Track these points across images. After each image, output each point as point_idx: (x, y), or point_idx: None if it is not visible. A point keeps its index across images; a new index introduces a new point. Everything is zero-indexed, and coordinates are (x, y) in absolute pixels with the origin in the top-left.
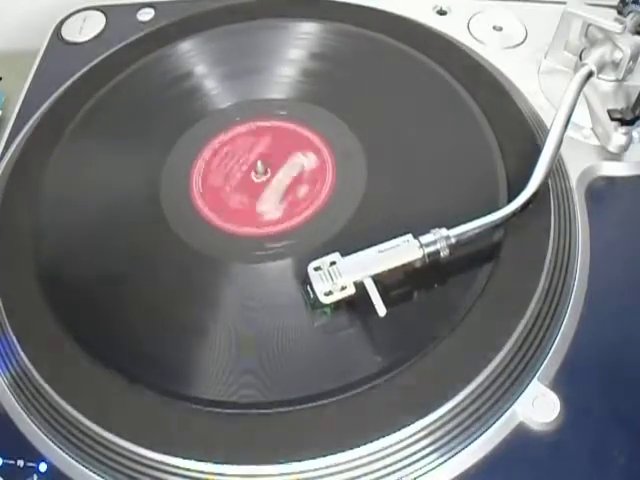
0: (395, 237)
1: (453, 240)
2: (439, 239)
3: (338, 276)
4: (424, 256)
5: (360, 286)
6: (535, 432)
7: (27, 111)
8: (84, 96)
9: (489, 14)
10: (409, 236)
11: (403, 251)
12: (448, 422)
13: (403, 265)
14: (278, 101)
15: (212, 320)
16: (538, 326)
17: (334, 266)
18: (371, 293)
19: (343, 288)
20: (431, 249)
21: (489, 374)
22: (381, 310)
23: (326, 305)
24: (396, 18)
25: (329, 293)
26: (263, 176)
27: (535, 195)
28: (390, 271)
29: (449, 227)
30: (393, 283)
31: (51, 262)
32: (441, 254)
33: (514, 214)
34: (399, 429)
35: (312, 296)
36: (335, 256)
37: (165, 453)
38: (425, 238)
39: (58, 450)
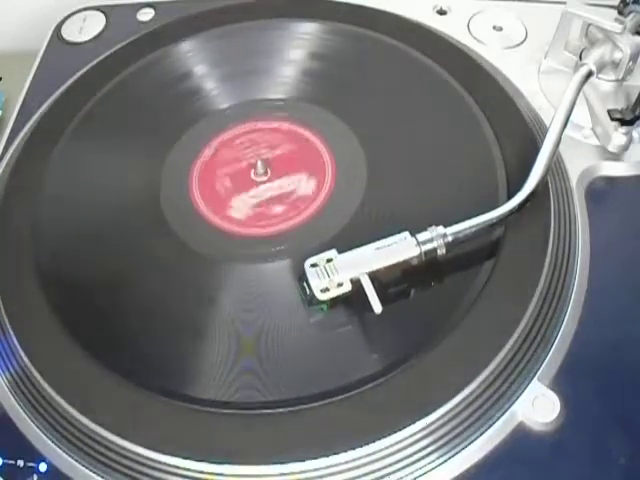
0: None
1: (450, 238)
2: (436, 237)
3: (335, 273)
4: (421, 254)
5: (357, 283)
6: (535, 432)
7: (27, 111)
8: (84, 96)
9: (489, 14)
10: (406, 233)
11: (400, 248)
12: (448, 422)
13: (400, 263)
14: (278, 101)
15: (212, 320)
16: (538, 326)
17: (331, 263)
18: (367, 290)
19: (339, 285)
20: (428, 247)
21: (489, 374)
22: (377, 307)
23: (322, 302)
24: (396, 18)
25: (325, 290)
26: (263, 176)
27: (533, 194)
28: (389, 269)
29: (448, 226)
30: (393, 282)
31: (51, 262)
32: (438, 252)
33: (512, 213)
34: (399, 429)
35: (308, 292)
36: (332, 253)
37: (165, 453)
38: (422, 236)
39: (58, 450)
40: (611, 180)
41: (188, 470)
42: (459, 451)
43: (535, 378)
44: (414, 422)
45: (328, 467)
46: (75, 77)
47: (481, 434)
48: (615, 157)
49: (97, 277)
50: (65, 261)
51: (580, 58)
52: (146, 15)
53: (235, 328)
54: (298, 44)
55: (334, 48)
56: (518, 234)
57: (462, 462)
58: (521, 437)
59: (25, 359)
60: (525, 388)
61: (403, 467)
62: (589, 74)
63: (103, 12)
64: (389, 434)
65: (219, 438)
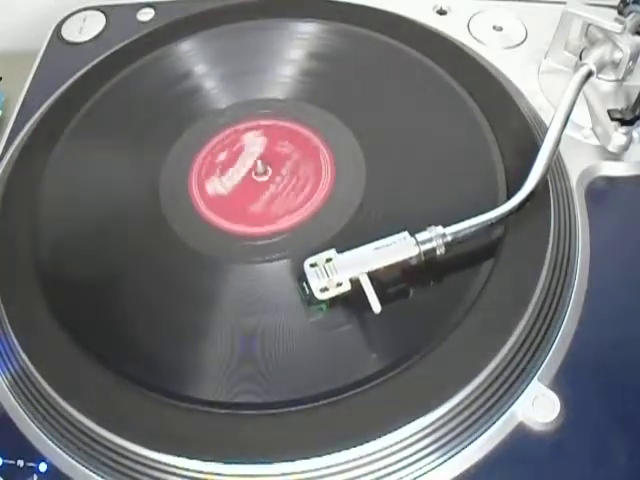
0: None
1: (449, 238)
2: (435, 237)
3: (334, 272)
4: (420, 254)
5: (356, 283)
6: (535, 432)
7: (27, 111)
8: (84, 96)
9: (489, 14)
10: (405, 233)
11: (399, 248)
12: (448, 422)
13: (400, 262)
14: (278, 101)
15: (211, 320)
16: (538, 326)
17: (330, 262)
18: (366, 289)
19: (339, 284)
20: (427, 247)
21: (489, 374)
22: (376, 306)
23: (322, 301)
24: (396, 18)
25: (325, 289)
26: (263, 176)
27: (533, 194)
28: (389, 269)
29: (447, 226)
30: (392, 282)
31: (51, 262)
32: (437, 252)
33: (511, 212)
34: (399, 429)
35: (308, 292)
36: (331, 252)
37: (165, 453)
38: (421, 235)
39: (58, 450)
40: (611, 180)
41: (188, 470)
42: (459, 451)
43: (535, 378)
44: (414, 422)
45: (328, 467)
46: (75, 77)
47: (481, 434)
48: (615, 157)
49: (97, 277)
50: (65, 261)
51: (580, 58)
52: (146, 15)
53: (234, 328)
54: (298, 44)
55: (334, 48)
56: (518, 234)
57: (462, 462)
58: (521, 437)
59: (25, 359)
60: (525, 388)
61: (403, 467)
62: (589, 74)
63: (103, 12)
64: (389, 434)
65: (219, 438)
